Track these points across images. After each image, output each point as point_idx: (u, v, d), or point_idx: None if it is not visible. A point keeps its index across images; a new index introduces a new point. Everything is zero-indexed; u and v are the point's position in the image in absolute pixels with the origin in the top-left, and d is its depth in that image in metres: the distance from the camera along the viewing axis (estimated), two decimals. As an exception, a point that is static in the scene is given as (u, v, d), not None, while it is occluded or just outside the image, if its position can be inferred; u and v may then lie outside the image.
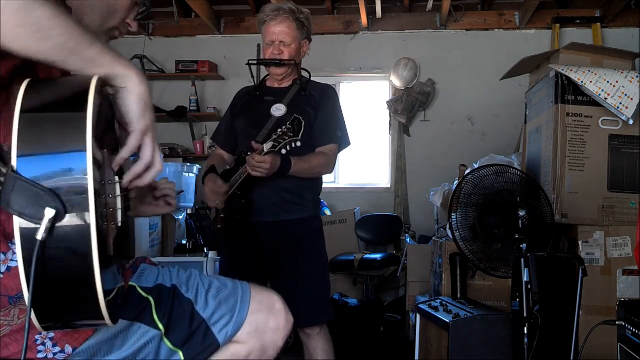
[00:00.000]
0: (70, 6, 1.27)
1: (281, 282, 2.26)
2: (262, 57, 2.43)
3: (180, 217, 4.11)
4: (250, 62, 2.38)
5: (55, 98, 0.93)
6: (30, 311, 0.87)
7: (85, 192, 0.86)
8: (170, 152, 5.04)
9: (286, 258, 2.29)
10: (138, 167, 1.02)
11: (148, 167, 1.04)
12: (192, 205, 4.26)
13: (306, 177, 2.31)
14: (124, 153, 1.00)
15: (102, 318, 0.92)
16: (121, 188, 1.02)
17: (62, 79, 1.02)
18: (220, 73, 5.29)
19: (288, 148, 2.08)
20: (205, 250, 3.73)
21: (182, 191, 3.92)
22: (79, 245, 0.87)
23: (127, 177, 1.02)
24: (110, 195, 0.96)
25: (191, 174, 4.24)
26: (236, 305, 1.30)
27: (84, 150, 0.86)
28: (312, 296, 2.30)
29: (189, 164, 4.35)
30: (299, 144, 2.08)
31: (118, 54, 1.02)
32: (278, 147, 2.07)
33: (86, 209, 0.86)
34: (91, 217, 0.87)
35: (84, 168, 0.87)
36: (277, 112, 2.34)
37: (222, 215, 2.27)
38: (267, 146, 2.07)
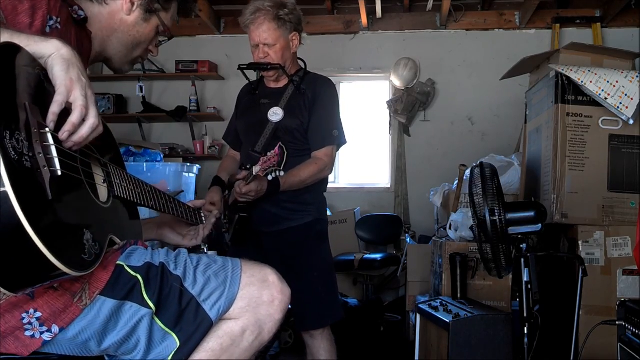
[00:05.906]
0: (92, 36, 1.34)
1: None
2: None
3: (180, 217, 4.10)
4: (241, 66, 2.39)
5: None
6: None
7: None
8: (170, 152, 5.04)
9: (288, 264, 2.26)
10: (73, 118, 1.03)
11: (84, 120, 1.04)
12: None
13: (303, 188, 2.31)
14: (53, 107, 1.01)
15: (54, 264, 0.91)
16: (61, 142, 1.03)
17: None
18: (220, 73, 5.29)
19: (273, 175, 2.14)
20: (205, 251, 3.73)
21: (182, 191, 3.91)
22: None
23: (65, 128, 1.02)
24: (37, 140, 0.97)
25: (191, 174, 4.23)
26: (226, 280, 1.27)
27: None
28: (317, 299, 2.30)
29: (189, 164, 4.34)
30: (281, 173, 2.15)
31: (30, 34, 1.06)
32: (265, 173, 2.13)
33: None
34: None
35: None
36: (275, 117, 2.33)
37: (225, 221, 2.29)
38: (255, 169, 2.14)
